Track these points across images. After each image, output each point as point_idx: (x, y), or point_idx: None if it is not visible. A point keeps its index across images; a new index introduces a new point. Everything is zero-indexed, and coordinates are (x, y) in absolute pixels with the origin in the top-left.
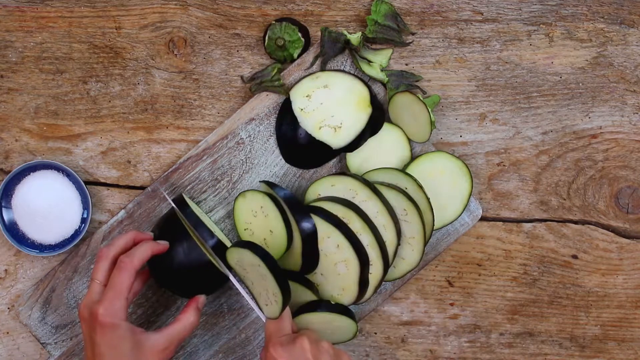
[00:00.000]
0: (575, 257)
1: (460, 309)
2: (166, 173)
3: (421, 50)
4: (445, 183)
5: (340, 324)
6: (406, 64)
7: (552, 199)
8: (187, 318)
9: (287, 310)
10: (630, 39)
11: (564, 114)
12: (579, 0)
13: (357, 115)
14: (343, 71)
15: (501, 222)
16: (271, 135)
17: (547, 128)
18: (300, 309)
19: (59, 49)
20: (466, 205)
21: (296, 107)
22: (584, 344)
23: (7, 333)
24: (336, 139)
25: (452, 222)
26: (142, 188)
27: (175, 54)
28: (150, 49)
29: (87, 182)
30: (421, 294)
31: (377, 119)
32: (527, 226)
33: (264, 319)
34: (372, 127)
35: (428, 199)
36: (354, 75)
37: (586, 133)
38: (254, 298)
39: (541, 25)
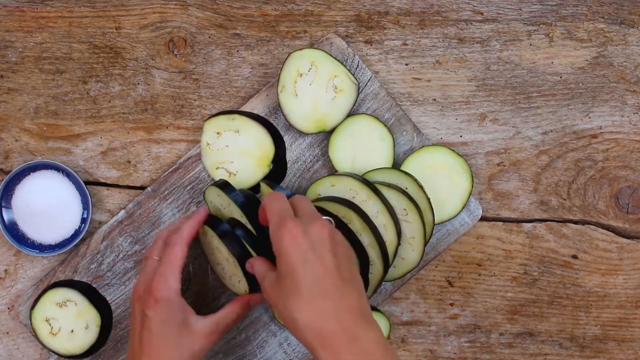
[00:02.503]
0: (575, 257)
1: (460, 309)
2: (166, 173)
3: (421, 50)
4: (444, 178)
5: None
6: (406, 64)
7: (552, 199)
8: (233, 308)
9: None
10: (630, 39)
11: (564, 114)
12: (579, 0)
13: (254, 170)
14: (261, 122)
15: (501, 222)
16: None
17: (547, 128)
18: None
19: (59, 49)
20: (465, 204)
21: (204, 139)
22: (584, 344)
23: (7, 333)
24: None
25: (450, 219)
26: (142, 188)
27: (175, 54)
28: (150, 49)
29: (87, 182)
30: (421, 294)
31: (277, 175)
32: (527, 226)
33: None
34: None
35: (428, 198)
36: (268, 130)
37: (586, 133)
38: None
39: (541, 25)
